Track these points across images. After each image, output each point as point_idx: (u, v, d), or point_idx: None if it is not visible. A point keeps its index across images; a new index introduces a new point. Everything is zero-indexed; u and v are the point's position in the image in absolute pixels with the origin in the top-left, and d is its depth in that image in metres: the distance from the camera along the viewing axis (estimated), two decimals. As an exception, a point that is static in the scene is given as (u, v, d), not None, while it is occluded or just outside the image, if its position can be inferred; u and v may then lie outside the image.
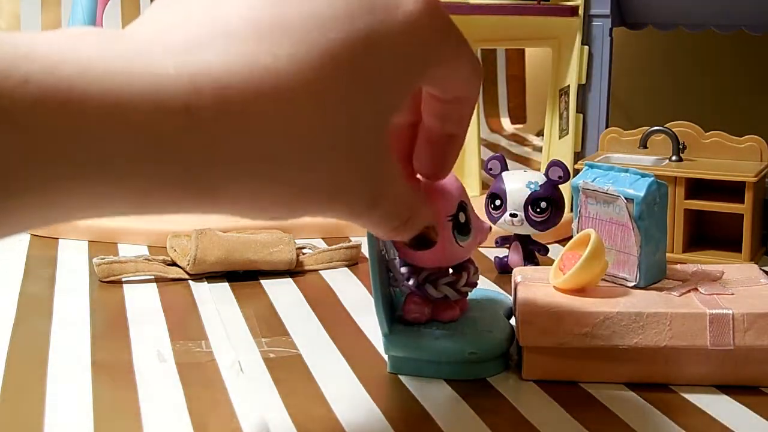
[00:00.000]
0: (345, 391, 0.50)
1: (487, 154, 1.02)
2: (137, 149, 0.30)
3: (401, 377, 0.51)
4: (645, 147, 0.74)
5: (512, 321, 0.55)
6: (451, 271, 0.53)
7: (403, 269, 0.52)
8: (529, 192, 0.65)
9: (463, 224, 0.50)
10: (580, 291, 0.52)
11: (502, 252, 0.71)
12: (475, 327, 0.52)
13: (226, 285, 0.67)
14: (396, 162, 0.40)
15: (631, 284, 0.53)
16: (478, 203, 0.59)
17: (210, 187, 0.33)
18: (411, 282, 0.52)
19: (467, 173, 0.88)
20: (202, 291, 0.66)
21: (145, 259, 0.69)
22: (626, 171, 0.54)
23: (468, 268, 0.53)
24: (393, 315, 0.53)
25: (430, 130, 0.44)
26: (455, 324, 0.53)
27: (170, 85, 0.31)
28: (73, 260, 0.73)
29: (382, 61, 0.36)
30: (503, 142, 1.24)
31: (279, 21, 0.34)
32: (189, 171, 0.32)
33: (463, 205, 0.51)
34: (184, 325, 0.60)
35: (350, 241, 0.76)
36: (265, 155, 0.33)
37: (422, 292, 0.52)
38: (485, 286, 0.65)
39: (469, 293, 0.53)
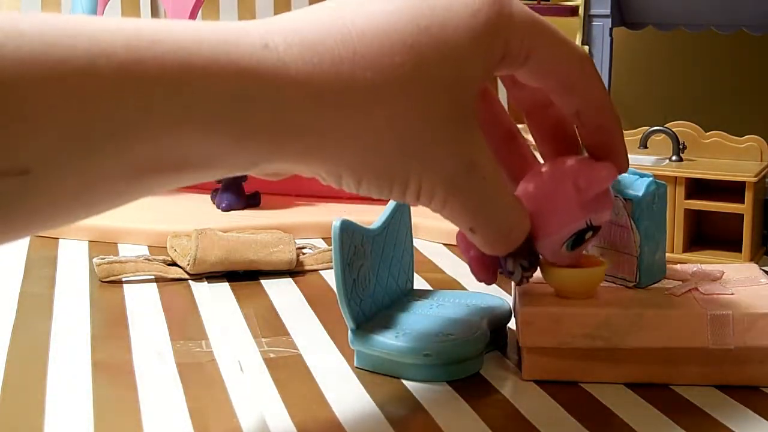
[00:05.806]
0: (345, 391, 0.50)
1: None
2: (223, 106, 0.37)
3: (403, 380, 0.51)
4: (645, 147, 0.74)
5: (512, 323, 0.55)
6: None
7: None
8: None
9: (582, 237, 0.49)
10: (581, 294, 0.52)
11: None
12: (439, 330, 0.52)
13: (226, 285, 0.67)
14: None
15: (631, 284, 0.53)
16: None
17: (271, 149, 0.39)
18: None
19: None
20: (202, 291, 0.66)
21: (145, 259, 0.69)
22: (626, 171, 0.54)
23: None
24: (365, 312, 0.53)
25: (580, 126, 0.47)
26: (422, 325, 0.53)
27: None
28: (73, 260, 0.73)
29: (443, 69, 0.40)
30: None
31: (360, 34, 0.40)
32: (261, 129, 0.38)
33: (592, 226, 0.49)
34: (184, 325, 0.60)
35: (350, 241, 0.76)
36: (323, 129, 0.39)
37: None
38: (485, 288, 0.65)
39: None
